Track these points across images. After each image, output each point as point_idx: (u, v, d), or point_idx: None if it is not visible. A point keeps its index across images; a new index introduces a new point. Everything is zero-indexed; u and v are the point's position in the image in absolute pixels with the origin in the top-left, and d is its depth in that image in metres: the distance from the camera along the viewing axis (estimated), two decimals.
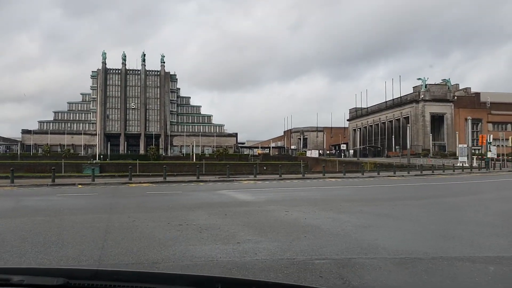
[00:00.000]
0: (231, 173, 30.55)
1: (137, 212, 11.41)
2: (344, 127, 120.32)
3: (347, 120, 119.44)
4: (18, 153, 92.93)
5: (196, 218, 10.21)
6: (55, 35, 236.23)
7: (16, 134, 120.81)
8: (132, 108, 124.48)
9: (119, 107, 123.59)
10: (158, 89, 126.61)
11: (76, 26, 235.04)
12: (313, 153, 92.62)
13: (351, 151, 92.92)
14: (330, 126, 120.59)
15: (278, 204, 13.14)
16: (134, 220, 9.73)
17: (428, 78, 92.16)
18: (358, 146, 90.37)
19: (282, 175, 30.71)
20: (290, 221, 9.74)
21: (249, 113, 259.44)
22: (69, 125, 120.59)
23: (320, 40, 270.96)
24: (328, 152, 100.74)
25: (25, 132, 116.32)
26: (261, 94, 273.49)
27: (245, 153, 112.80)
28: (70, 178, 29.48)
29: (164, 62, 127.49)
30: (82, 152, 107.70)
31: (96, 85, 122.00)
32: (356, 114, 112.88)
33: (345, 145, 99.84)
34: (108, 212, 11.45)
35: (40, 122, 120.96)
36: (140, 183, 25.08)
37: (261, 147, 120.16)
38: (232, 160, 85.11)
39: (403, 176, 32.50)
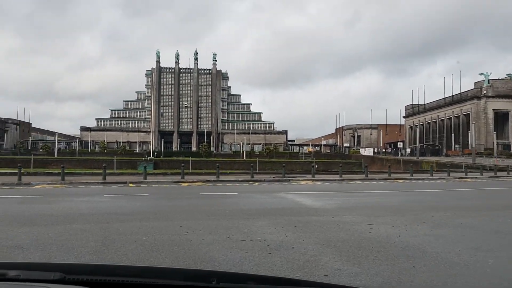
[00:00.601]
0: (285, 172, 28.48)
1: (191, 219, 9.65)
2: (400, 125, 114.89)
3: (403, 117, 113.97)
4: (77, 150, 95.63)
5: (260, 230, 8.28)
6: (114, 35, 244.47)
7: (76, 131, 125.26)
8: (185, 106, 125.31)
9: (172, 105, 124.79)
10: (210, 87, 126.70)
11: (134, 26, 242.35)
12: (367, 151, 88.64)
13: (408, 150, 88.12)
14: (385, 123, 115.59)
15: (354, 213, 10.95)
16: (187, 232, 7.93)
17: (491, 73, 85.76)
18: (415, 144, 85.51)
19: (342, 175, 28.28)
20: (381, 239, 7.56)
21: (300, 110, 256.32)
22: (125, 123, 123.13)
23: (376, 35, 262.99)
24: (384, 150, 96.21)
25: (83, 129, 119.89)
26: (312, 91, 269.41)
27: (294, 150, 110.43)
28: (122, 175, 28.54)
29: (216, 61, 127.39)
30: (137, 149, 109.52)
31: (150, 84, 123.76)
32: (413, 111, 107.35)
33: (401, 143, 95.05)
34: (157, 219, 9.75)
35: (97, 119, 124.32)
36: (193, 182, 23.60)
37: (312, 145, 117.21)
38: (282, 158, 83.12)
39: (476, 178, 29.10)
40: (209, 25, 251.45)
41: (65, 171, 23.26)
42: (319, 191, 18.40)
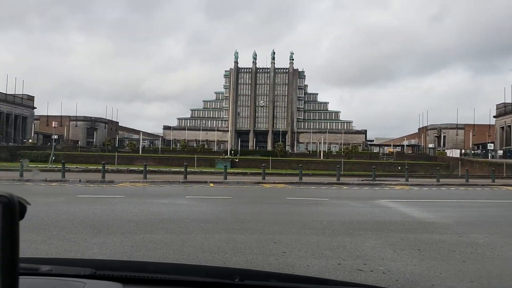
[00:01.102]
0: (374, 174, 25.99)
1: (284, 233, 8.07)
2: (489, 125, 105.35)
3: (494, 116, 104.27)
4: (159, 147, 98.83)
5: (375, 253, 6.47)
6: (197, 38, 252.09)
7: (159, 130, 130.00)
8: (261, 106, 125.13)
9: (249, 104, 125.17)
10: (286, 87, 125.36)
11: (216, 28, 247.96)
12: (453, 153, 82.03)
13: (500, 152, 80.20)
14: (472, 123, 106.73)
15: (483, 231, 8.70)
16: (284, 252, 6.36)
17: None
18: (509, 146, 77.62)
19: (439, 179, 25.22)
20: None
21: (379, 109, 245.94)
22: (204, 122, 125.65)
23: (464, 30, 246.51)
24: (472, 151, 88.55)
25: (166, 128, 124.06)
26: (393, 89, 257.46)
27: (374, 151, 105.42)
28: (202, 174, 27.78)
29: (292, 59, 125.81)
30: (215, 148, 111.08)
31: (228, 84, 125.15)
32: (505, 110, 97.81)
33: (491, 144, 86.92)
34: (245, 230, 8.28)
35: (179, 119, 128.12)
36: (274, 183, 22.13)
37: (393, 145, 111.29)
38: (361, 158, 79.22)
39: None
40: (288, 24, 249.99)
41: (149, 168, 22.83)
42: (421, 199, 15.96)
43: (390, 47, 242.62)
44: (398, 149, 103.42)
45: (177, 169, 33.06)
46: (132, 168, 39.87)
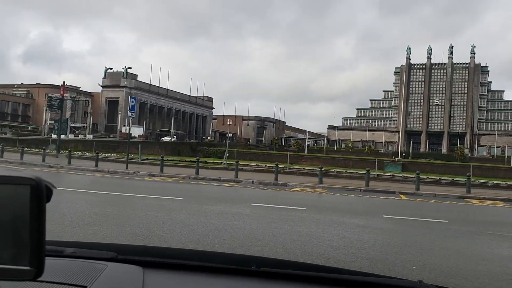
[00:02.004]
0: None
1: None
2: None
3: None
4: (324, 147, 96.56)
5: None
6: (367, 36, 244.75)
7: (323, 130, 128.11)
8: (436, 105, 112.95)
9: (421, 103, 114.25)
10: (466, 83, 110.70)
11: (389, 25, 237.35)
12: None
13: None
14: None
15: None
16: None
17: None
18: None
19: None
20: None
21: None
22: (370, 122, 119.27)
23: None
24: None
25: (330, 128, 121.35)
26: None
27: None
28: (386, 181, 23.58)
29: (474, 54, 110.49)
30: (382, 149, 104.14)
31: (398, 82, 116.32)
32: None
33: None
34: None
35: (344, 118, 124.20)
36: (485, 199, 16.96)
37: None
38: None
39: None
40: (471, 15, 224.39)
41: (324, 169, 19.85)
42: None
43: None
44: None
45: (351, 172, 29.63)
46: (302, 167, 37.82)
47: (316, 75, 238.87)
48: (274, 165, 20.83)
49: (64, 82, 27.29)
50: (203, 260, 1.53)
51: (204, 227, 8.02)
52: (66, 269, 1.28)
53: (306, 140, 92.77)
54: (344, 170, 36.11)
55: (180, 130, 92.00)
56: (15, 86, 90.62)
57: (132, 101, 23.41)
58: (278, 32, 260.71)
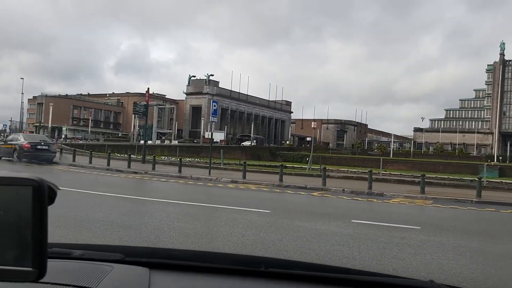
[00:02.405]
0: None
1: None
2: None
3: None
4: (411, 151, 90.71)
5: None
6: (455, 33, 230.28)
7: (408, 132, 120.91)
8: None
9: None
10: None
11: (479, 20, 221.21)
12: None
13: None
14: None
15: None
16: None
17: None
18: None
19: None
20: None
21: None
22: (460, 123, 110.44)
23: None
24: None
25: (416, 130, 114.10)
26: None
27: None
28: (496, 191, 20.32)
29: None
30: (474, 152, 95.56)
31: (491, 80, 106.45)
32: None
33: None
34: None
35: (431, 120, 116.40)
36: None
37: None
38: None
39: None
40: None
41: (425, 175, 17.34)
42: None
43: None
44: None
45: (453, 178, 26.36)
46: (395, 173, 34.90)
47: (399, 75, 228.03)
48: (367, 171, 18.68)
49: (148, 89, 27.40)
50: (211, 262, 1.51)
51: (302, 254, 6.39)
52: (72, 271, 1.26)
53: (392, 143, 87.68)
54: (434, 175, 32.75)
55: (260, 135, 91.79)
56: (107, 95, 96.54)
57: (214, 105, 22.58)
58: (358, 33, 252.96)
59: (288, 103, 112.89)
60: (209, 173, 20.99)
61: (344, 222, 9.79)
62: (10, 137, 26.64)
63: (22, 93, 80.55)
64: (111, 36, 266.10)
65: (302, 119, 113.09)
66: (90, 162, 24.80)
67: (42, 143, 24.24)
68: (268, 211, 10.71)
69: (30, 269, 0.73)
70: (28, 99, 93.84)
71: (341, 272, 1.48)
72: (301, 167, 42.65)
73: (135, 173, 21.41)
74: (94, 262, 1.38)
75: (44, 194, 0.75)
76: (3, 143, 25.27)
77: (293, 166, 42.99)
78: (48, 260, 0.76)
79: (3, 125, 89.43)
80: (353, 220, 9.87)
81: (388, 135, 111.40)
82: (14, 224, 0.75)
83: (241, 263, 1.51)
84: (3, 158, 24.87)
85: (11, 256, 0.74)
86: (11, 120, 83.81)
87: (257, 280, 1.41)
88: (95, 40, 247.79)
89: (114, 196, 12.31)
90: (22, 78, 79.91)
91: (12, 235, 0.75)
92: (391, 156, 74.01)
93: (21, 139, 24.12)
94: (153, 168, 22.39)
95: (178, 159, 24.26)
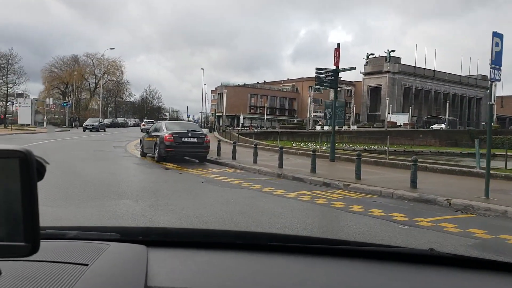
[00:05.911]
0: None
1: None
2: None
3: None
4: None
5: None
6: None
7: None
8: None
9: None
10: None
11: None
12: None
13: None
14: None
15: None
16: None
17: None
18: None
19: None
20: None
21: None
22: None
23: None
24: None
25: None
26: None
27: None
28: None
29: None
30: None
31: None
32: None
33: None
34: None
35: None
36: None
37: None
38: None
39: None
40: None
41: None
42: None
43: None
44: None
45: None
46: None
47: None
48: None
49: (338, 44, 16.00)
50: (211, 237, 1.44)
51: None
52: (67, 249, 1.20)
53: None
54: None
55: (451, 116, 72.84)
56: (282, 82, 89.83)
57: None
58: None
59: (485, 78, 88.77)
60: (487, 193, 8.87)
61: None
62: (153, 126, 19.03)
63: (204, 84, 78.89)
64: (289, 23, 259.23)
65: (501, 96, 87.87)
66: (255, 161, 15.13)
67: (189, 134, 15.57)
68: None
69: (22, 243, 0.67)
70: (211, 90, 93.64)
71: (342, 244, 1.43)
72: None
73: (327, 186, 10.72)
74: (90, 241, 1.29)
75: (32, 166, 0.68)
76: (147, 135, 17.68)
77: None
78: (42, 240, 0.70)
79: (188, 115, 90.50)
80: None
81: None
82: (2, 198, 0.68)
83: (241, 238, 1.44)
84: (148, 154, 17.31)
85: (2, 232, 0.68)
86: (202, 112, 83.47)
87: (257, 254, 1.32)
88: (275, 30, 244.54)
89: None
90: (202, 69, 78.42)
91: (2, 210, 0.68)
92: None
93: (163, 130, 15.94)
94: (358, 177, 11.22)
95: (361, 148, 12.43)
